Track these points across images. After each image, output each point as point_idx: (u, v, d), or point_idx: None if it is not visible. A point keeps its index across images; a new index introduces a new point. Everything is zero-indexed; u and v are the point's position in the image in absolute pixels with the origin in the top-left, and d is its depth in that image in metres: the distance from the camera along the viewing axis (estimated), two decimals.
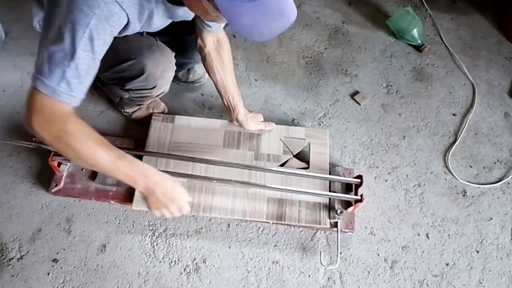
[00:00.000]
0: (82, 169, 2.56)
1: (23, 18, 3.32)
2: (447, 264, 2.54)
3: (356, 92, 3.19)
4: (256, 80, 3.18)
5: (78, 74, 1.64)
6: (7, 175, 2.62)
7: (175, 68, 2.37)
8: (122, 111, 2.79)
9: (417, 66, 3.41)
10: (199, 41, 2.38)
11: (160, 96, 2.57)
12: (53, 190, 2.51)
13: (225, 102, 2.60)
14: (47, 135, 1.69)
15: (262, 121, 2.75)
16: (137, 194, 2.43)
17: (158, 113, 2.80)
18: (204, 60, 2.47)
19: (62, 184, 2.52)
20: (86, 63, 1.65)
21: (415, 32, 3.44)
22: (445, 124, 3.09)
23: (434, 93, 3.26)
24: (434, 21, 3.72)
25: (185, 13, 1.96)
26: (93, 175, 2.55)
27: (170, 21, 2.05)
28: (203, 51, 2.41)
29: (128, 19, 1.72)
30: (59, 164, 2.50)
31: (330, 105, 3.06)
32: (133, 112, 2.78)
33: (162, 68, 2.24)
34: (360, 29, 3.62)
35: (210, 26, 2.24)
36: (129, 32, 1.85)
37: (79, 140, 1.72)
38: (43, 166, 2.62)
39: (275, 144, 2.74)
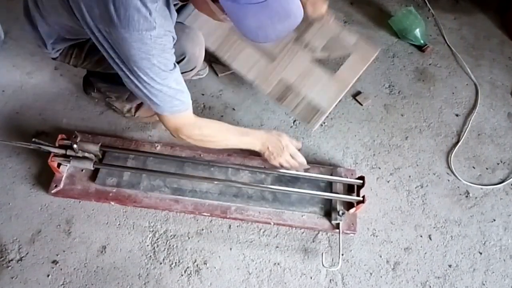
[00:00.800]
0: (82, 170, 2.57)
1: (23, 18, 3.32)
2: (449, 266, 2.54)
3: (358, 93, 3.18)
4: None
5: (177, 90, 1.93)
6: (6, 176, 2.62)
7: (204, 47, 2.46)
8: (125, 110, 2.81)
9: (419, 66, 3.41)
10: None
11: None
12: (52, 191, 2.51)
13: None
14: (193, 142, 2.18)
15: (325, 9, 2.67)
16: None
17: None
18: None
19: (62, 185, 2.52)
20: (173, 80, 1.90)
21: (417, 32, 3.44)
22: (447, 124, 3.09)
23: (436, 93, 3.26)
24: (437, 21, 3.72)
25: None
26: (93, 176, 2.55)
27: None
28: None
29: (173, 37, 1.84)
30: (59, 165, 2.50)
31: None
32: (136, 110, 2.82)
33: (199, 48, 2.36)
34: (362, 29, 3.61)
35: None
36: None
37: (216, 137, 2.24)
38: (43, 167, 2.62)
39: (320, 38, 2.76)
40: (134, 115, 2.82)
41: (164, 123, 2.09)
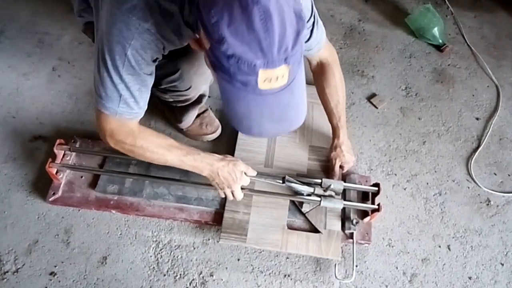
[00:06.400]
0: (81, 177, 2.59)
1: (19, 17, 3.34)
2: (470, 278, 2.54)
3: (373, 95, 3.20)
4: None
5: (131, 95, 1.82)
6: (2, 183, 2.64)
7: None
8: (174, 124, 2.87)
9: (438, 67, 3.42)
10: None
11: (203, 101, 2.66)
12: (50, 199, 2.52)
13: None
14: (121, 150, 2.02)
15: (343, 167, 2.66)
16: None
17: (212, 132, 2.88)
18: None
19: (60, 193, 2.54)
20: (136, 83, 1.80)
21: (435, 31, 3.45)
22: (467, 128, 3.09)
23: (456, 95, 3.26)
24: (456, 19, 3.73)
25: None
26: (93, 183, 2.56)
27: None
28: (310, 70, 2.50)
29: (164, 44, 1.79)
30: (57, 171, 2.52)
31: (345, 108, 3.05)
32: (185, 127, 2.87)
33: (197, 64, 2.25)
34: (377, 27, 3.63)
35: (308, 50, 2.29)
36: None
37: (150, 151, 2.03)
38: (40, 173, 2.64)
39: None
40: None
41: (99, 119, 1.93)
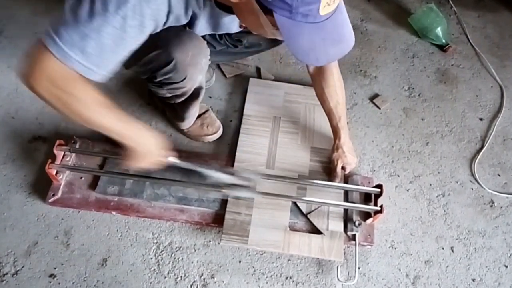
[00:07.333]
0: (81, 178, 2.58)
1: (19, 16, 3.33)
2: (473, 280, 2.53)
3: (376, 95, 3.19)
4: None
5: (99, 48, 1.62)
6: (1, 184, 2.63)
7: (208, 55, 2.32)
8: (176, 124, 2.84)
9: (441, 67, 3.42)
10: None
11: (200, 95, 2.61)
12: (50, 200, 2.52)
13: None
14: (44, 94, 1.67)
15: (345, 168, 2.66)
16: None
17: (212, 133, 2.86)
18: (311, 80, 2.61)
19: (60, 194, 2.53)
20: (112, 39, 1.63)
21: (439, 30, 3.44)
22: (471, 129, 3.09)
23: (459, 96, 3.26)
24: (460, 19, 3.73)
25: (229, 24, 2.05)
26: (93, 184, 2.56)
27: (211, 31, 2.15)
28: (308, 73, 2.57)
29: (170, 7, 1.75)
30: (57, 172, 2.51)
31: (348, 109, 3.05)
32: (186, 128, 2.85)
33: (191, 54, 2.17)
34: (380, 27, 3.63)
35: None
36: (170, 24, 1.88)
37: (85, 104, 1.71)
38: (40, 174, 2.63)
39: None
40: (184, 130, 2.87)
41: (36, 54, 1.62)
